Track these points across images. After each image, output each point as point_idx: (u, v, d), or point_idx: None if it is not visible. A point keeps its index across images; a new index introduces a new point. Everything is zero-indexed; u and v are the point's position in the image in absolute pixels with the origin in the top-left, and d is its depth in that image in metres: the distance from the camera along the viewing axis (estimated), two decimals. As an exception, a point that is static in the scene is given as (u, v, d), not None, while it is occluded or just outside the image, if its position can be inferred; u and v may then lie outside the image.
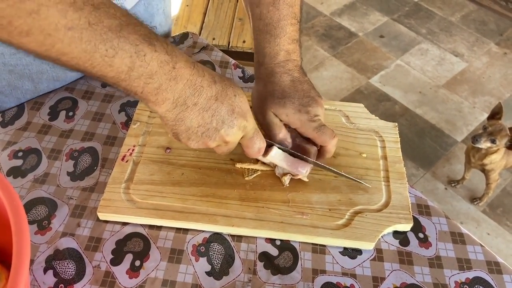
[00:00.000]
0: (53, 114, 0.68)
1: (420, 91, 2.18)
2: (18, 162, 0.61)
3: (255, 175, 0.59)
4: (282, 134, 0.58)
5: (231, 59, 0.80)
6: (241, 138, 0.51)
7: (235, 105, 0.48)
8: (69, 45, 0.37)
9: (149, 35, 0.41)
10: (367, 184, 0.59)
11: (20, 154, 0.62)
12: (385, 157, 0.63)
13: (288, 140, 0.59)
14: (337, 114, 0.68)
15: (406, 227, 0.56)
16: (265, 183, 0.59)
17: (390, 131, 0.66)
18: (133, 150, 0.61)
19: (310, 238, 0.55)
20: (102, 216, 0.56)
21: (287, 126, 0.59)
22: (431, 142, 1.97)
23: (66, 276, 0.51)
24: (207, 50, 0.81)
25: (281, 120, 0.58)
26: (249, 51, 1.63)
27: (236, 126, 0.48)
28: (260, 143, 0.53)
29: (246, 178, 0.59)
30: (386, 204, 0.57)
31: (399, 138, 0.65)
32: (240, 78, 0.76)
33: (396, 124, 0.67)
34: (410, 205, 0.57)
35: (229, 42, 1.65)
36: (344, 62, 2.32)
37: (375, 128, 0.66)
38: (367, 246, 0.55)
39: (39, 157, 0.62)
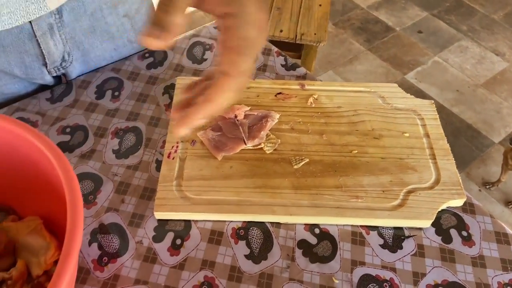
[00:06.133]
0: (100, 93, 0.69)
1: (457, 90, 2.12)
2: (66, 138, 0.63)
3: (303, 162, 0.59)
4: (179, 18, 0.38)
5: (273, 47, 0.80)
6: None
7: None
8: None
9: None
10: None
11: (68, 130, 0.64)
12: (427, 135, 0.62)
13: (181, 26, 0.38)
14: (372, 95, 0.68)
15: (459, 202, 0.57)
16: (314, 170, 0.59)
17: (427, 109, 0.66)
18: (177, 147, 0.61)
19: (368, 221, 0.55)
20: (159, 215, 0.55)
21: None
22: (467, 142, 1.91)
23: (110, 250, 0.52)
24: (250, 37, 0.81)
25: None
26: (286, 40, 1.62)
27: None
28: None
29: (295, 167, 0.59)
30: (437, 181, 0.57)
31: (437, 115, 0.65)
32: (282, 66, 0.76)
33: (433, 101, 0.67)
34: (460, 180, 0.57)
35: (265, 31, 1.64)
36: (379, 56, 2.28)
37: (413, 107, 0.66)
38: (425, 224, 0.55)
39: (85, 134, 0.64)
